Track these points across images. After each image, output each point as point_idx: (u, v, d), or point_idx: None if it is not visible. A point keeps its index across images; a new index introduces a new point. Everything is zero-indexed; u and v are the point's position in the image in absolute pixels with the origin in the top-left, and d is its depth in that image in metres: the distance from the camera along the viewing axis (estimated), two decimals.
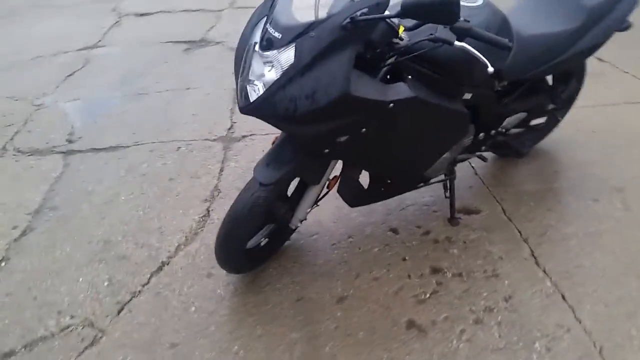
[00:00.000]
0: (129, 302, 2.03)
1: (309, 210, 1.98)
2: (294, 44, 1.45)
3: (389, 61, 1.66)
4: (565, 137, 2.86)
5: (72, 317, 1.99)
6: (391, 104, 1.58)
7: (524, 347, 1.76)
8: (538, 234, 2.24)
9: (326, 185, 1.97)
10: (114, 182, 2.77)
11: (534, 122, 2.51)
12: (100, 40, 4.99)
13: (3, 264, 2.28)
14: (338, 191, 2.12)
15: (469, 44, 1.51)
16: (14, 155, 3.10)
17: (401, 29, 1.62)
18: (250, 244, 2.00)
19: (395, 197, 2.37)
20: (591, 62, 2.48)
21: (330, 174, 1.91)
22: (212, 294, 2.03)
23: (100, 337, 1.89)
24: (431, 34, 1.55)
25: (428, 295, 1.98)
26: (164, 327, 1.91)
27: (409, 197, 2.47)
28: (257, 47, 1.54)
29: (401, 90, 1.61)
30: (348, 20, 1.40)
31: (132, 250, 2.29)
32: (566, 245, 2.17)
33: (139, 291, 2.08)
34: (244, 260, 1.97)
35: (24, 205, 2.63)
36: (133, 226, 2.43)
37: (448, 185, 2.31)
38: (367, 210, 2.40)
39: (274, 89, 1.47)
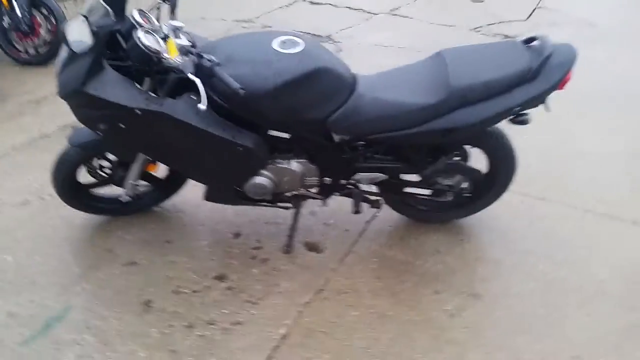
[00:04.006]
0: None
1: (134, 183, 2.35)
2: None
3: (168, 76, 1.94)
4: (507, 223, 2.62)
5: None
6: (138, 111, 1.88)
7: None
8: (337, 290, 2.22)
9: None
10: None
11: (411, 190, 2.40)
12: (258, 17, 5.75)
13: None
14: None
15: None
16: None
17: (173, 52, 1.87)
18: (100, 192, 2.48)
19: (281, 213, 2.49)
20: None
21: (142, 158, 2.26)
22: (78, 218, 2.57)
23: None
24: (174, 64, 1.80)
25: (188, 291, 2.21)
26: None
27: (291, 217, 2.53)
28: None
29: (154, 103, 1.89)
30: None
31: None
32: (347, 313, 2.13)
33: None
34: (79, 201, 2.44)
35: None
36: None
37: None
38: (244, 211, 2.63)
39: (58, 71, 1.94)
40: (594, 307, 2.17)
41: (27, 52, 4.44)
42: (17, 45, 4.40)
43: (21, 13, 4.18)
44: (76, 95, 1.89)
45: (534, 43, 2.08)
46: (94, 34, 1.78)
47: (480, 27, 5.52)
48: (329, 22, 5.55)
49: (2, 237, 2.45)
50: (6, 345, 1.93)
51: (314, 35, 5.16)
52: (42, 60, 4.43)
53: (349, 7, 6.10)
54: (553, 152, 3.20)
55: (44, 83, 4.07)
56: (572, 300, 2.20)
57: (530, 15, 5.83)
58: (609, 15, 5.71)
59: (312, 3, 6.33)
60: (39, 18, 4.34)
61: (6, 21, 4.25)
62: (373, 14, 5.90)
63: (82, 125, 2.09)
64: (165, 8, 2.10)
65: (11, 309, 2.09)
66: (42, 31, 4.37)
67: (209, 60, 1.78)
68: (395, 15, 5.88)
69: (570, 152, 3.21)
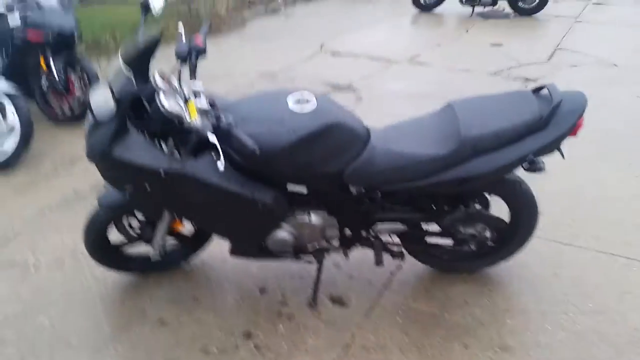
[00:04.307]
0: None
1: (162, 240, 2.42)
2: None
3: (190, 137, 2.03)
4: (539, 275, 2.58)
5: None
6: (162, 172, 1.97)
7: None
8: (364, 347, 2.22)
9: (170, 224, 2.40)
10: None
11: (432, 239, 2.42)
12: (281, 70, 5.94)
13: None
14: None
15: None
16: None
17: (194, 114, 1.95)
18: (131, 251, 2.56)
19: (305, 266, 2.56)
20: None
21: (169, 216, 2.34)
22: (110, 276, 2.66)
23: None
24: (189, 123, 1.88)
25: (216, 350, 2.23)
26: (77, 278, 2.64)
27: (315, 270, 2.53)
28: None
29: (176, 164, 1.98)
30: None
31: None
32: None
33: None
34: (111, 260, 2.52)
35: None
36: None
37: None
38: (269, 265, 2.67)
39: (86, 135, 2.05)
40: (630, 357, 2.11)
41: (62, 111, 4.66)
42: (53, 105, 4.62)
43: (57, 74, 4.41)
44: (103, 159, 1.99)
45: (543, 91, 2.12)
46: (117, 101, 1.89)
47: (500, 71, 5.57)
48: (350, 72, 5.70)
49: (37, 297, 2.54)
50: None
51: (335, 85, 5.29)
52: (76, 118, 4.64)
53: (369, 57, 6.26)
54: (578, 195, 3.18)
55: (78, 142, 4.17)
56: (607, 351, 2.15)
57: (551, 57, 5.88)
58: (629, 55, 5.73)
59: (333, 54, 6.51)
60: (74, 77, 4.57)
61: (44, 82, 4.48)
62: (393, 62, 6.04)
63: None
64: (186, 70, 2.19)
65: None
66: (77, 90, 4.58)
67: (226, 122, 1.86)
68: (415, 62, 6.01)
69: (595, 196, 3.19)
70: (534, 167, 2.06)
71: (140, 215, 2.44)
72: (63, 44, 4.41)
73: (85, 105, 4.39)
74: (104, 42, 6.84)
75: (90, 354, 2.22)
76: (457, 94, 2.21)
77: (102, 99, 1.89)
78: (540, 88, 2.15)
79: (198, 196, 2.05)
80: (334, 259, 2.66)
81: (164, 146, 2.06)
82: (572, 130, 2.04)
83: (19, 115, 3.78)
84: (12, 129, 3.78)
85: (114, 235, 2.46)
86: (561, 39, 6.51)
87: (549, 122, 2.02)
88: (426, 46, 6.62)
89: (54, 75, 4.41)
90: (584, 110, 2.05)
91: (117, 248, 2.53)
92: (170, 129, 1.97)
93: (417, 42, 7.00)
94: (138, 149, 1.96)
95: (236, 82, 5.46)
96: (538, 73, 5.36)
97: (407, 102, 4.83)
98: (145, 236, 2.45)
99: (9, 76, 4.01)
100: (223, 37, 7.43)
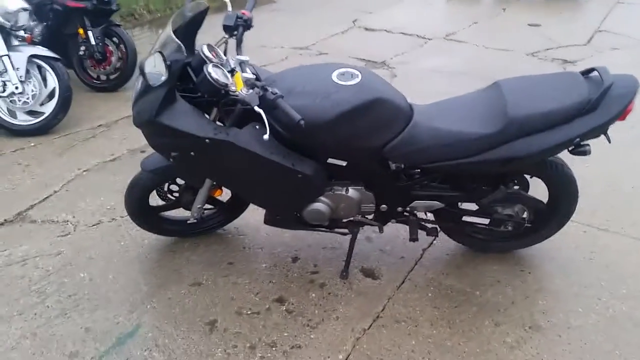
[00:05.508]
0: None
1: (200, 206, 2.48)
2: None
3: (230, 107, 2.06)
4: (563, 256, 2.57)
5: None
6: (207, 140, 2.00)
7: None
8: (394, 318, 2.25)
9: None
10: None
11: (469, 219, 2.42)
12: (314, 44, 5.92)
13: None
14: None
15: None
16: None
17: (240, 85, 1.98)
18: (168, 215, 2.63)
19: (338, 238, 2.60)
20: None
21: (210, 183, 2.38)
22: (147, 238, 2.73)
23: None
24: (234, 94, 1.91)
25: (250, 312, 2.29)
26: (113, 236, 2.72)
27: (348, 243, 2.52)
28: None
29: (221, 132, 2.01)
30: None
31: None
32: (404, 340, 2.14)
33: None
34: (149, 223, 2.59)
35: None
36: None
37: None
38: (302, 235, 2.70)
39: (133, 102, 2.09)
40: None
41: (99, 78, 4.74)
42: (90, 72, 4.71)
43: (95, 42, 4.47)
44: (150, 125, 2.03)
45: (593, 74, 2.08)
46: (168, 68, 1.91)
47: (538, 51, 5.46)
48: (384, 48, 5.64)
49: (78, 256, 2.62)
50: None
51: (369, 61, 5.25)
52: (112, 86, 4.72)
53: (403, 33, 6.18)
54: (617, 182, 3.13)
55: (114, 108, 4.32)
56: (639, 337, 2.13)
57: (590, 39, 5.73)
58: None
59: (366, 29, 6.44)
60: (111, 47, 4.63)
61: (82, 50, 4.54)
62: (428, 39, 5.96)
63: (154, 152, 2.25)
64: (232, 43, 2.22)
65: (87, 324, 2.22)
66: (114, 59, 4.65)
67: (272, 93, 1.87)
68: (451, 40, 5.92)
69: (634, 182, 3.13)
70: (580, 150, 2.04)
71: (180, 181, 2.49)
72: (101, 12, 4.46)
73: (121, 73, 4.48)
74: (137, 13, 6.89)
75: (128, 310, 2.29)
76: (494, 73, 2.19)
77: (154, 66, 1.92)
78: (591, 70, 2.10)
79: (241, 165, 2.08)
80: (366, 232, 2.68)
81: (206, 117, 2.09)
82: (622, 114, 2.00)
83: (58, 80, 3.86)
84: (51, 94, 3.86)
85: (153, 199, 2.51)
86: (602, 20, 6.32)
87: (598, 105, 1.98)
88: (462, 24, 6.50)
89: (91, 44, 4.47)
90: (635, 95, 2.00)
91: (156, 211, 2.58)
92: (216, 99, 1.99)
93: (453, 19, 6.87)
94: (185, 117, 2.00)
95: (270, 55, 5.46)
96: (577, 55, 5.24)
97: (442, 79, 4.77)
98: (184, 202, 2.50)
99: (48, 44, 4.08)
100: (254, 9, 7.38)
